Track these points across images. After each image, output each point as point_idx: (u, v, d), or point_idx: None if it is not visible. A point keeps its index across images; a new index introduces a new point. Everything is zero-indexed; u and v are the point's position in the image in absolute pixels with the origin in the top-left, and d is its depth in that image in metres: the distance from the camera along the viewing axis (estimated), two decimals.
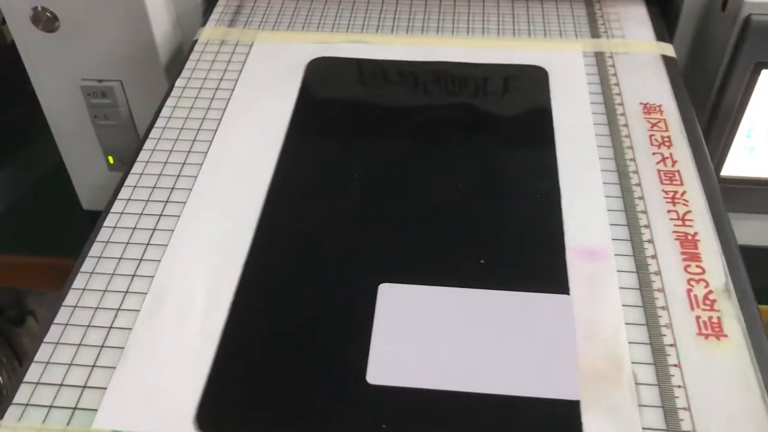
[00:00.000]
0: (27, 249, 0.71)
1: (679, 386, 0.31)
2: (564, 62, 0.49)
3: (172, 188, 0.41)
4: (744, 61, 0.50)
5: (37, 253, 0.71)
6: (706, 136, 0.43)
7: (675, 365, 0.32)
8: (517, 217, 0.39)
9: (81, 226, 0.67)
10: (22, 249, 0.70)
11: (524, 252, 0.37)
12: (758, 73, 0.51)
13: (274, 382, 0.31)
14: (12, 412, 0.31)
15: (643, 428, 0.30)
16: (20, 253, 0.70)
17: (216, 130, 0.44)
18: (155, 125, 0.44)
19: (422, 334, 0.33)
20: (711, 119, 0.55)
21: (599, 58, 0.49)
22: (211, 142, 0.43)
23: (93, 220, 0.39)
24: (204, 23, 0.54)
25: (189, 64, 0.49)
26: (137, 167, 0.42)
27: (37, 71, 0.58)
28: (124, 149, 0.61)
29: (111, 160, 0.63)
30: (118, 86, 0.58)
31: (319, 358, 0.32)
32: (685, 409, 0.30)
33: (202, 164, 0.42)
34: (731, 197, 0.40)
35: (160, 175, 0.41)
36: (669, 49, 0.50)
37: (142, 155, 0.43)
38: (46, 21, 0.54)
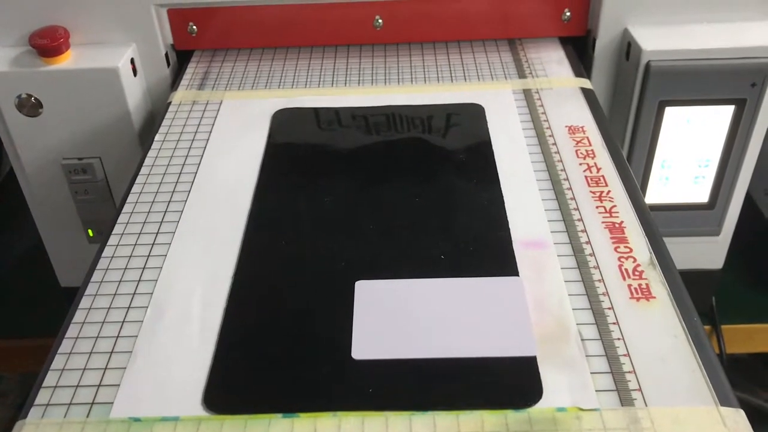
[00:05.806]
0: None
1: (619, 338, 0.36)
2: (497, 99, 0.56)
3: (161, 221, 0.45)
4: (649, 100, 0.59)
5: (13, 335, 0.73)
6: None
7: (614, 323, 0.37)
8: (470, 221, 0.44)
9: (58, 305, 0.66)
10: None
11: (478, 247, 0.42)
12: (663, 110, 0.59)
13: (271, 364, 0.36)
14: (34, 412, 0.34)
15: (591, 372, 0.35)
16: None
17: (196, 173, 0.49)
18: (140, 172, 0.49)
19: (396, 317, 0.38)
20: (630, 153, 0.62)
21: (527, 94, 0.56)
22: (192, 183, 0.48)
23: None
24: (174, 90, 0.60)
25: (165, 122, 0.54)
26: (127, 207, 0.47)
27: (20, 153, 0.62)
28: (103, 221, 0.64)
29: (91, 233, 0.67)
30: (97, 162, 0.62)
31: (309, 343, 0.37)
32: (625, 355, 0.35)
33: (186, 201, 0.47)
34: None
35: (144, 222, 0.45)
36: (586, 83, 0.57)
37: (130, 197, 0.47)
38: (30, 107, 0.59)
